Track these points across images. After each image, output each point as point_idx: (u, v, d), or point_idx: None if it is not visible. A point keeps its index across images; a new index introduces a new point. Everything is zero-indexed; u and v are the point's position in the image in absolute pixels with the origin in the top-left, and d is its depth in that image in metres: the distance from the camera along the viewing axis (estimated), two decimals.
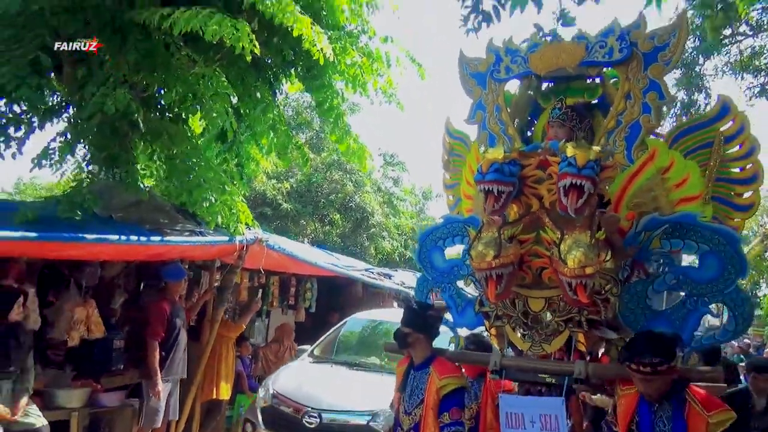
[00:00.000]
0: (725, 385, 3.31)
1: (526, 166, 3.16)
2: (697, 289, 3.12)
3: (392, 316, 7.23)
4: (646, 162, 3.29)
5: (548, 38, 3.97)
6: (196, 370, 6.14)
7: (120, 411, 5.59)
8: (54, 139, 5.54)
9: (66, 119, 6.10)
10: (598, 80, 4.01)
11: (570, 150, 2.88)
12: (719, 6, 5.08)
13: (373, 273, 9.43)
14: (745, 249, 22.21)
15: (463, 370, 3.74)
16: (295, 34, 5.01)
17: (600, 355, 3.47)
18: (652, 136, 3.57)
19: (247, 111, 6.61)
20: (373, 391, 5.57)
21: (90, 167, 5.67)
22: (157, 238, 5.07)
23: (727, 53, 11.77)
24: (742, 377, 5.79)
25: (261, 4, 4.86)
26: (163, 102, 6.22)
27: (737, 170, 3.37)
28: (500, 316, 3.33)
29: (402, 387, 3.53)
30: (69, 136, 5.77)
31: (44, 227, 4.53)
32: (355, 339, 7.27)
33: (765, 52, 11.09)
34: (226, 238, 5.77)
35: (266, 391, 6.01)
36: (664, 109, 4.15)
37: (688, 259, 3.64)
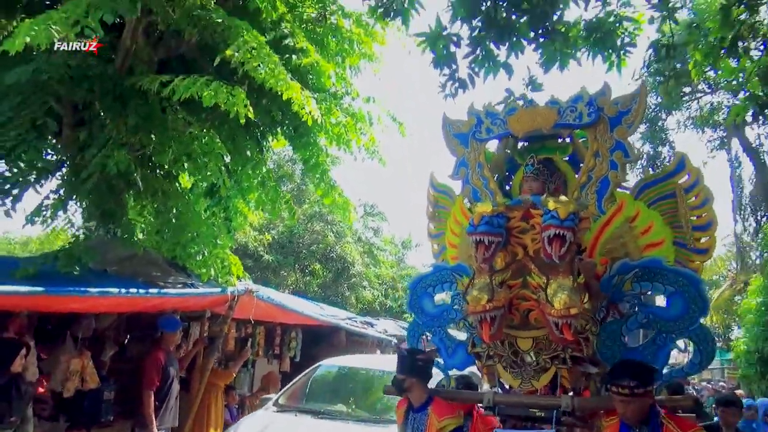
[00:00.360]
0: (694, 415, 3.64)
1: (511, 218, 3.50)
2: (666, 327, 3.49)
3: (364, 362, 7.27)
4: (615, 213, 3.70)
5: (521, 102, 4.43)
6: (186, 419, 6.30)
7: None
8: (47, 197, 5.82)
9: (59, 177, 6.38)
10: (568, 139, 4.48)
11: (552, 204, 3.24)
12: (671, 74, 5.69)
13: (355, 321, 9.69)
14: (716, 293, 22.94)
15: None
16: (284, 97, 5.38)
17: (581, 389, 3.77)
18: (619, 189, 3.95)
19: (237, 168, 6.96)
20: None
21: (86, 223, 5.94)
22: (155, 291, 5.35)
23: (687, 108, 12.68)
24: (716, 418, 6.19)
25: (255, 72, 5.24)
26: (154, 159, 6.54)
27: (695, 218, 3.78)
28: (491, 355, 3.62)
29: (403, 429, 3.75)
30: (62, 193, 6.06)
31: (46, 282, 4.78)
32: (325, 386, 6.91)
33: (723, 107, 11.97)
34: (218, 290, 6.03)
35: None
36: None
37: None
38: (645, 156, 12.25)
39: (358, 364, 7.09)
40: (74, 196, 6.20)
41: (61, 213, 6.03)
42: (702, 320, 3.51)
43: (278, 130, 7.35)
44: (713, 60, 4.62)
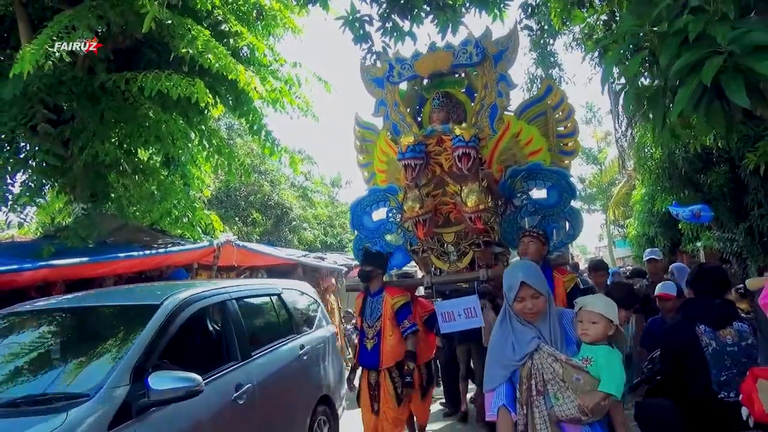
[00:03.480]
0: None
1: (428, 144, 4.37)
2: (548, 212, 4.55)
3: (91, 299, 3.94)
4: (504, 131, 4.64)
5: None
6: None
7: None
8: (22, 185, 6.48)
9: (31, 169, 6.81)
10: (463, 75, 5.26)
11: (458, 130, 4.14)
12: (538, 27, 6.68)
13: (310, 257, 10.67)
14: (616, 190, 25.11)
15: None
16: (230, 77, 6.10)
17: (492, 265, 4.77)
18: (506, 112, 4.78)
19: (195, 141, 7.68)
20: None
21: (81, 204, 6.58)
22: (162, 250, 6.19)
23: (571, 32, 13.66)
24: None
25: (208, 63, 5.94)
26: (128, 145, 7.17)
27: (562, 128, 4.82)
28: (425, 250, 4.61)
29: (362, 310, 4.66)
30: (34, 182, 6.58)
31: (67, 256, 5.51)
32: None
33: (597, 29, 12.97)
34: (206, 243, 6.87)
35: None
36: (525, 86, 5.45)
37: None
38: (539, 79, 13.23)
39: (69, 304, 3.84)
40: (46, 185, 6.83)
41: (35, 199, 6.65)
42: (572, 203, 4.61)
43: (218, 100, 7.98)
44: (567, 12, 5.54)
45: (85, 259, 5.41)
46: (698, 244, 10.60)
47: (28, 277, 5.12)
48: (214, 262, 6.97)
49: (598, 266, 6.43)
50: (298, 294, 5.54)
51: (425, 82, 5.35)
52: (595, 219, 33.63)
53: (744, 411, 2.39)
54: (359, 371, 4.71)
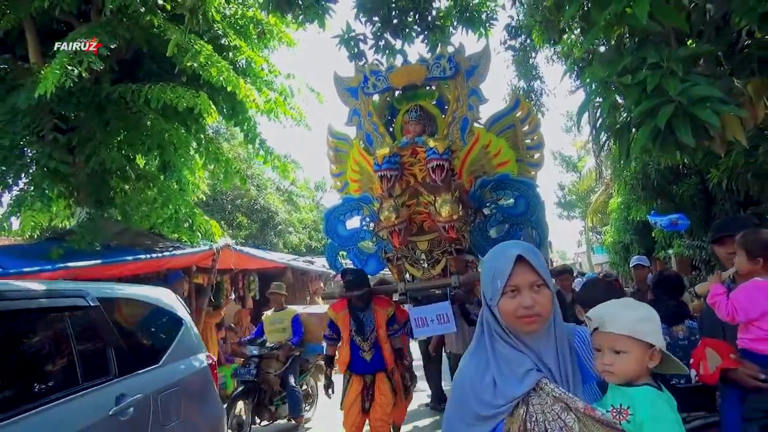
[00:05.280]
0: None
1: (403, 155, 4.46)
2: (515, 221, 4.72)
3: None
4: (474, 143, 4.76)
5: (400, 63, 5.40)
6: None
7: None
8: (23, 190, 6.62)
9: (31, 174, 6.84)
10: (435, 87, 5.31)
11: (432, 143, 4.25)
12: (520, 48, 6.93)
13: (299, 261, 10.85)
14: (593, 197, 25.43)
15: None
16: (230, 90, 6.34)
17: (463, 272, 4.92)
18: (476, 125, 4.89)
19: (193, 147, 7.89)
20: None
21: (86, 209, 6.75)
22: (168, 254, 6.44)
23: (552, 47, 13.84)
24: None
25: (211, 78, 6.18)
26: (128, 152, 7.38)
27: (529, 141, 4.96)
28: (399, 257, 4.70)
29: (354, 323, 4.61)
30: (34, 186, 6.65)
31: (75, 258, 5.65)
32: None
33: (578, 44, 13.15)
34: (206, 247, 7.08)
35: None
36: (508, 97, 5.64)
37: None
38: (521, 91, 13.44)
39: None
40: (45, 188, 6.85)
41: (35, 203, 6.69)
42: (542, 213, 4.75)
43: (215, 109, 8.16)
44: (547, 37, 5.84)
45: (97, 261, 5.64)
46: (670, 251, 10.89)
47: (46, 277, 5.18)
48: (212, 264, 7.16)
49: (560, 271, 6.37)
50: (138, 306, 3.56)
51: (397, 93, 5.38)
52: (574, 225, 34.00)
53: (692, 373, 2.77)
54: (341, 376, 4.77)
